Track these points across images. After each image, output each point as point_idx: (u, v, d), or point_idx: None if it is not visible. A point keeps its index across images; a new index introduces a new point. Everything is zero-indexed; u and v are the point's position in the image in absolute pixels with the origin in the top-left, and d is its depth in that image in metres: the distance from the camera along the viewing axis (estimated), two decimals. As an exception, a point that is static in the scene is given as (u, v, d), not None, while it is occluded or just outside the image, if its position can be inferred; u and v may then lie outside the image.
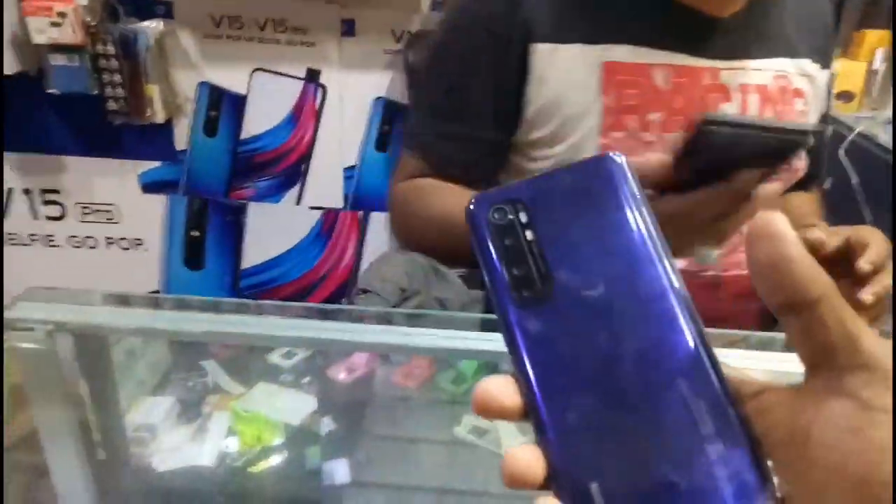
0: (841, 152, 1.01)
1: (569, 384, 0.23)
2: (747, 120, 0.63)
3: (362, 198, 1.73)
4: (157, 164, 1.68)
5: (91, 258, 1.76)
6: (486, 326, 0.64)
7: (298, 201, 1.73)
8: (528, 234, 0.24)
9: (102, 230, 1.74)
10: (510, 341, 0.24)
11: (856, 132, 1.06)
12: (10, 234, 1.73)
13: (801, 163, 0.78)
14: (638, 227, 0.24)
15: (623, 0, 0.72)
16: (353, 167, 1.70)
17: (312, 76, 1.63)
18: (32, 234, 1.73)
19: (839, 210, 0.99)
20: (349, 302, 1.60)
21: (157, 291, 1.79)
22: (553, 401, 0.23)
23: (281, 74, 1.62)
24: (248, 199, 1.72)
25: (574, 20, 0.72)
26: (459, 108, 0.76)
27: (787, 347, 0.25)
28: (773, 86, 0.77)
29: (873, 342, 0.21)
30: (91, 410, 0.67)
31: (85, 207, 1.71)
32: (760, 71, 0.76)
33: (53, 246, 1.75)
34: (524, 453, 0.23)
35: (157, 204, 1.72)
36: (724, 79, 0.75)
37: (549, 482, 0.23)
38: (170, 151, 1.66)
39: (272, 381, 0.91)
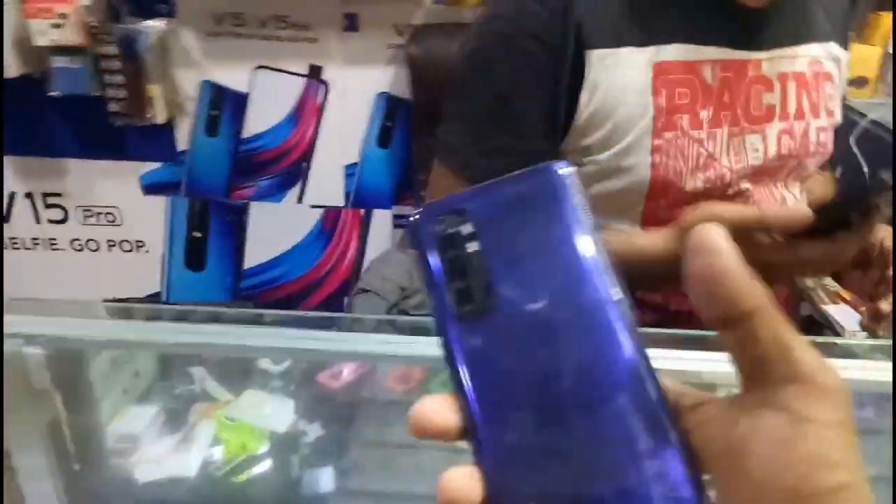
0: (852, 140, 0.97)
1: (507, 402, 0.23)
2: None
3: (364, 195, 1.70)
4: (158, 165, 1.67)
5: (93, 261, 1.76)
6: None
7: (300, 200, 1.71)
8: (472, 246, 0.24)
9: (104, 233, 1.74)
10: (449, 357, 0.23)
11: (867, 120, 1.02)
12: (12, 238, 1.74)
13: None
14: (580, 239, 0.24)
15: (671, 0, 0.73)
16: (354, 164, 1.68)
17: (315, 72, 1.60)
18: (35, 238, 1.74)
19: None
20: (350, 301, 1.58)
21: (159, 293, 1.79)
22: (491, 420, 0.23)
23: (283, 71, 1.60)
24: (250, 199, 1.71)
25: (625, 24, 0.71)
26: (508, 121, 0.74)
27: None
28: (809, 72, 0.78)
29: (807, 354, 0.21)
30: (67, 423, 0.66)
31: (87, 210, 1.71)
32: (796, 58, 0.77)
33: (56, 249, 1.75)
34: (461, 475, 0.22)
35: (159, 205, 1.71)
36: (764, 69, 0.75)
37: None
38: (171, 152, 1.66)
39: (261, 387, 0.89)
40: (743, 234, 0.62)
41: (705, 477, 0.22)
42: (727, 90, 0.74)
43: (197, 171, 1.68)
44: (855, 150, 0.96)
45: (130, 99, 1.52)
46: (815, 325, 1.10)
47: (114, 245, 1.76)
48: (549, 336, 0.23)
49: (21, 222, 1.72)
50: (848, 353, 0.62)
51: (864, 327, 0.74)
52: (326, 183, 1.69)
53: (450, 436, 0.23)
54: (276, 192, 1.70)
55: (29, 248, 1.76)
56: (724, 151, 0.74)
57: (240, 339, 0.68)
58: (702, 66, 0.73)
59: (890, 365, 0.58)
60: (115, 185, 1.69)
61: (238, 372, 0.92)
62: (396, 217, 1.73)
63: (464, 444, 0.24)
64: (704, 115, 0.73)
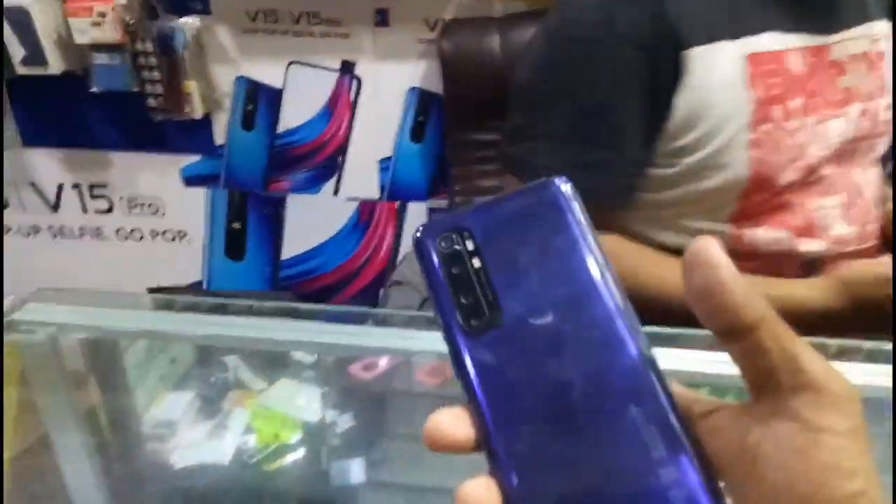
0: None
1: (520, 413, 0.23)
2: None
3: (398, 189, 1.71)
4: (197, 158, 1.71)
5: (138, 250, 1.81)
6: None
7: (336, 193, 1.73)
8: (476, 263, 0.25)
9: (148, 223, 1.79)
10: (460, 372, 0.24)
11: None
12: (61, 226, 1.80)
13: None
14: (583, 252, 0.24)
15: None
16: (388, 158, 1.68)
17: (347, 68, 1.61)
18: (82, 228, 1.80)
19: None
20: (385, 293, 1.59)
21: (201, 282, 1.83)
22: (505, 431, 0.23)
23: (316, 67, 1.62)
24: (287, 192, 1.73)
25: (717, 17, 0.69)
26: (604, 134, 0.70)
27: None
28: (873, 51, 0.76)
29: (815, 362, 0.21)
30: (104, 408, 0.68)
31: (131, 201, 1.76)
32: (861, 38, 0.76)
33: (102, 239, 1.81)
34: (478, 486, 0.23)
35: (199, 197, 1.75)
36: (838, 53, 0.74)
37: None
38: (209, 146, 1.69)
39: (293, 377, 0.91)
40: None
41: (720, 484, 0.22)
42: (812, 77, 0.71)
43: (234, 165, 1.71)
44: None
45: (168, 94, 1.56)
46: None
47: (157, 235, 1.81)
48: (558, 347, 0.23)
49: (69, 212, 1.78)
50: (847, 355, 0.60)
51: None
52: (361, 176, 1.70)
53: (465, 448, 0.24)
54: (312, 185, 1.72)
55: (77, 237, 1.82)
56: (813, 140, 0.73)
57: (273, 333, 0.69)
58: (790, 54, 0.70)
59: (889, 368, 0.56)
60: (157, 176, 1.73)
61: (271, 361, 0.94)
62: (431, 210, 1.73)
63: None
64: (795, 104, 0.71)
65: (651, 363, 0.23)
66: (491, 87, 1.49)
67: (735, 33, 0.69)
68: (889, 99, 0.78)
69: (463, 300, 0.24)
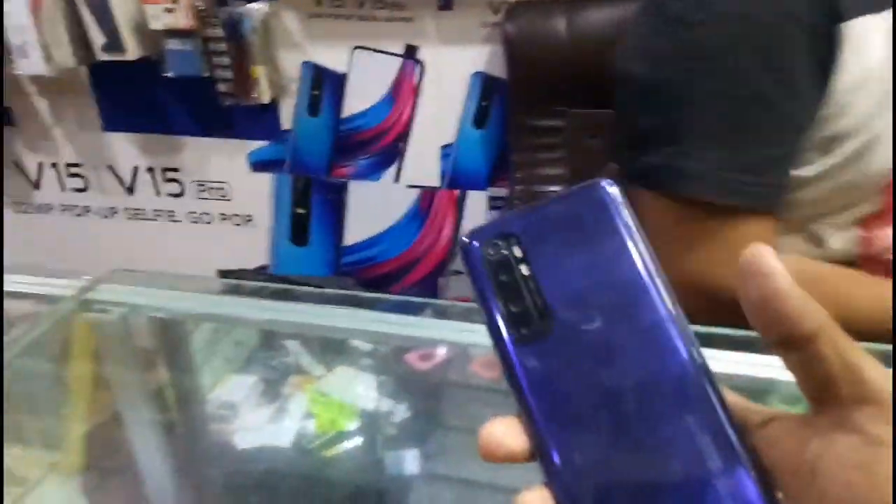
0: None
1: (573, 423, 0.23)
2: None
3: (459, 176, 1.70)
4: (264, 143, 1.74)
5: (207, 233, 1.87)
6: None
7: (396, 180, 1.73)
8: (524, 269, 0.24)
9: (216, 207, 1.84)
10: (512, 381, 0.24)
11: None
12: (136, 209, 1.87)
13: None
14: (633, 255, 0.24)
15: None
16: (450, 145, 1.67)
17: (410, 52, 1.61)
18: (157, 210, 1.87)
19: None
20: (445, 282, 1.59)
21: (266, 266, 1.87)
22: (560, 440, 0.23)
23: (380, 52, 1.62)
24: (349, 178, 1.75)
25: None
26: (767, 126, 0.61)
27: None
28: None
29: (877, 373, 0.21)
30: (171, 388, 0.70)
31: (200, 185, 1.82)
32: None
33: (174, 221, 1.87)
34: (534, 497, 0.23)
35: (265, 182, 1.78)
36: None
37: None
38: (276, 131, 1.72)
39: (352, 364, 0.92)
40: None
41: (779, 495, 0.22)
42: None
43: (300, 150, 1.74)
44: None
45: (237, 80, 1.59)
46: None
47: (225, 218, 1.86)
48: (609, 355, 0.23)
49: (143, 195, 1.85)
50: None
51: None
52: (423, 163, 1.70)
53: (519, 458, 0.23)
54: (373, 172, 1.73)
55: (150, 220, 1.89)
56: None
57: (333, 320, 0.70)
58: None
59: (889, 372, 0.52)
60: (225, 161, 1.78)
61: (331, 347, 0.95)
62: (492, 199, 1.71)
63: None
64: None
65: (705, 370, 0.23)
66: (556, 71, 1.46)
67: (880, 5, 0.59)
68: None
69: (512, 308, 0.24)
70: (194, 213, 1.86)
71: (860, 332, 0.25)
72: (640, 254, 0.24)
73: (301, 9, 1.59)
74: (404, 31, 1.58)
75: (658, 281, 0.24)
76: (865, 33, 0.60)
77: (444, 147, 1.68)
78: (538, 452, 0.23)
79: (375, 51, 1.62)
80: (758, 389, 0.57)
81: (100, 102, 1.74)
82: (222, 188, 1.81)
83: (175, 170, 1.81)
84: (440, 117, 1.65)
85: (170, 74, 1.59)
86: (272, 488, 0.76)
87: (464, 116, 1.64)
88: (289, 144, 1.73)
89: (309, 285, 1.34)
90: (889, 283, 0.64)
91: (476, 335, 0.64)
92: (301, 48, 1.63)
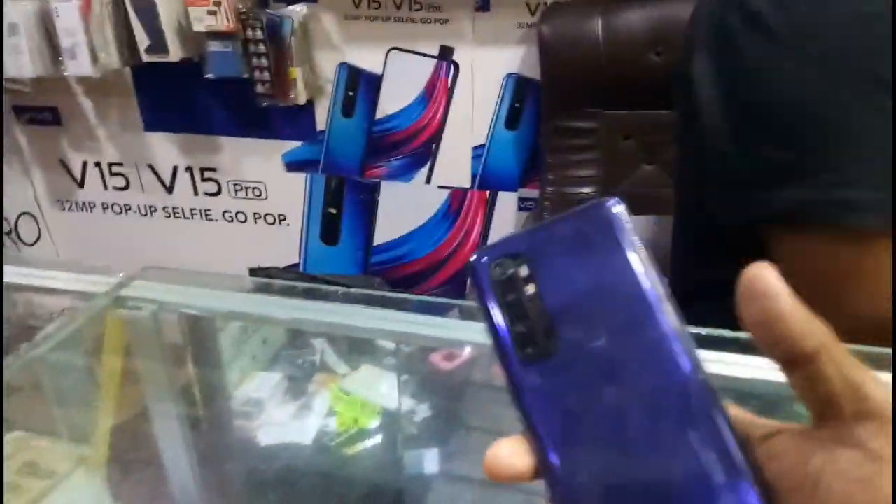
0: None
1: (578, 442, 0.23)
2: None
3: (490, 177, 1.70)
4: (299, 143, 1.77)
5: (241, 232, 1.91)
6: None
7: (428, 180, 1.74)
8: (530, 289, 0.25)
9: (252, 206, 1.87)
10: (518, 400, 0.24)
11: None
12: (175, 207, 1.92)
13: None
14: (638, 275, 0.24)
15: None
16: (481, 146, 1.67)
17: (445, 53, 1.61)
18: (193, 209, 1.91)
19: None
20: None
21: (297, 264, 1.90)
22: (565, 459, 0.23)
23: (415, 53, 1.63)
24: (381, 178, 1.76)
25: None
26: None
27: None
28: None
29: (879, 390, 0.21)
30: (198, 384, 0.72)
31: (237, 184, 1.85)
32: None
33: (211, 220, 1.92)
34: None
35: (299, 182, 1.81)
36: None
37: None
38: (311, 132, 1.74)
39: (376, 363, 0.93)
40: None
41: None
42: None
43: (333, 151, 1.76)
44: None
45: (275, 81, 1.61)
46: None
47: (259, 217, 1.89)
48: (615, 374, 0.23)
49: (182, 194, 1.90)
50: None
51: None
52: (454, 164, 1.70)
53: (524, 478, 0.24)
54: (406, 172, 1.74)
55: (188, 218, 1.93)
56: None
57: (359, 320, 0.70)
58: None
59: (889, 376, 0.50)
60: (261, 161, 1.81)
61: (356, 346, 0.96)
62: (521, 200, 1.71)
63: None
64: None
65: (708, 387, 0.23)
66: (591, 72, 1.45)
67: None
68: None
69: (518, 328, 0.24)
70: (230, 212, 1.90)
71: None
72: (646, 273, 0.24)
73: (339, 10, 1.61)
74: (440, 33, 1.59)
75: (663, 300, 0.24)
76: None
77: (476, 148, 1.68)
78: (543, 471, 0.24)
79: (410, 52, 1.62)
80: (790, 396, 0.56)
81: (142, 103, 1.79)
82: (258, 188, 1.85)
83: (213, 169, 1.85)
84: (473, 118, 1.65)
85: (210, 76, 1.63)
86: (293, 484, 0.78)
87: (496, 118, 1.64)
88: (323, 145, 1.75)
89: (336, 284, 1.36)
90: None
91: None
92: (338, 50, 1.65)
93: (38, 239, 2.05)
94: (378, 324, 0.71)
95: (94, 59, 1.59)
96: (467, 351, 0.94)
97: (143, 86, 1.78)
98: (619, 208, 0.25)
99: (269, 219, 1.88)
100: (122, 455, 0.70)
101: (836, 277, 0.57)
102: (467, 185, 1.72)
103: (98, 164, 1.90)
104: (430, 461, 0.81)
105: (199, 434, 0.71)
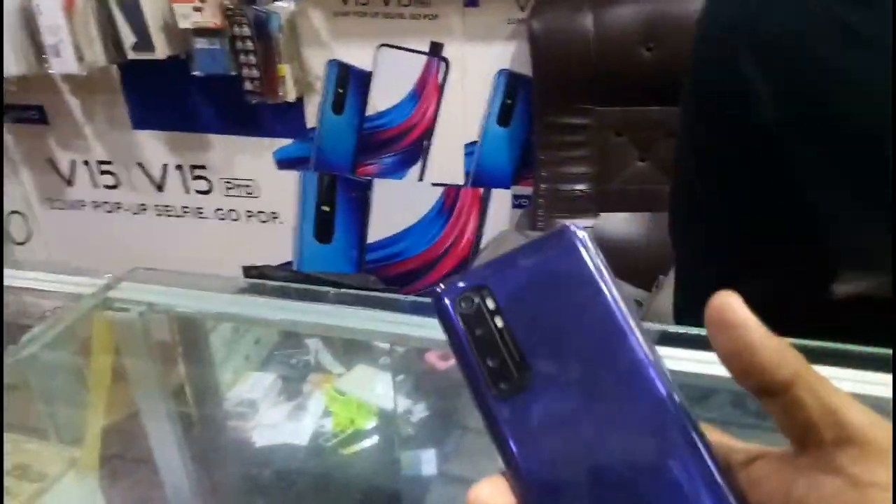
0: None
1: (559, 476, 0.23)
2: None
3: (483, 174, 1.69)
4: (289, 141, 1.75)
5: (233, 230, 1.89)
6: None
7: (421, 178, 1.73)
8: (499, 322, 0.24)
9: (243, 204, 1.86)
10: (496, 437, 0.24)
11: None
12: (166, 206, 1.90)
13: None
14: (606, 300, 0.24)
15: None
16: (474, 143, 1.67)
17: (435, 50, 1.60)
18: (185, 207, 1.89)
19: None
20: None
21: (291, 262, 1.89)
22: (547, 495, 0.23)
23: (405, 49, 1.62)
24: (374, 176, 1.75)
25: None
26: None
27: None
28: None
29: (857, 414, 0.21)
30: (190, 386, 0.71)
31: (228, 182, 1.84)
32: None
33: (202, 218, 1.90)
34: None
35: (291, 179, 1.80)
36: None
37: None
38: (301, 129, 1.73)
39: (371, 363, 0.92)
40: None
41: None
42: None
43: (324, 148, 1.75)
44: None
45: (263, 78, 1.60)
46: None
47: (252, 215, 1.88)
48: (590, 403, 0.23)
49: (172, 192, 1.88)
50: (845, 361, 0.54)
51: None
52: (447, 161, 1.69)
53: None
54: (398, 170, 1.73)
55: (179, 216, 1.92)
56: None
57: (353, 320, 0.70)
58: None
59: (889, 377, 0.51)
60: (252, 159, 1.80)
61: (351, 347, 0.96)
62: (515, 197, 1.70)
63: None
64: None
65: (686, 413, 0.23)
66: (582, 68, 1.44)
67: None
68: None
69: (490, 363, 0.24)
70: (221, 210, 1.88)
71: None
72: (613, 298, 0.24)
73: (327, 7, 1.59)
74: (430, 29, 1.58)
75: (633, 325, 0.23)
76: None
77: (468, 145, 1.67)
78: None
79: (400, 48, 1.61)
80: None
81: (129, 101, 1.77)
82: (249, 186, 1.83)
83: (203, 167, 1.83)
84: (464, 115, 1.64)
85: (198, 73, 1.61)
86: (288, 485, 0.77)
87: (488, 114, 1.63)
88: (314, 142, 1.74)
89: (330, 282, 1.35)
90: None
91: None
92: (327, 46, 1.64)
93: (28, 238, 2.03)
94: (373, 324, 0.70)
95: (80, 56, 1.57)
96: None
97: (130, 83, 1.76)
98: (582, 234, 0.24)
99: (262, 217, 1.87)
100: (115, 457, 0.69)
101: None
102: (460, 182, 1.71)
103: (87, 163, 1.88)
104: (426, 461, 0.80)
105: (192, 435, 0.70)
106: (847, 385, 0.56)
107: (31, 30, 1.58)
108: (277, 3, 1.57)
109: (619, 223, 1.52)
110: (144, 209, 1.92)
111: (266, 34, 1.58)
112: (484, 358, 0.24)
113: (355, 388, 0.88)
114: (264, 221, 1.88)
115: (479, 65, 1.59)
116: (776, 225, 0.62)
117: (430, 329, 0.67)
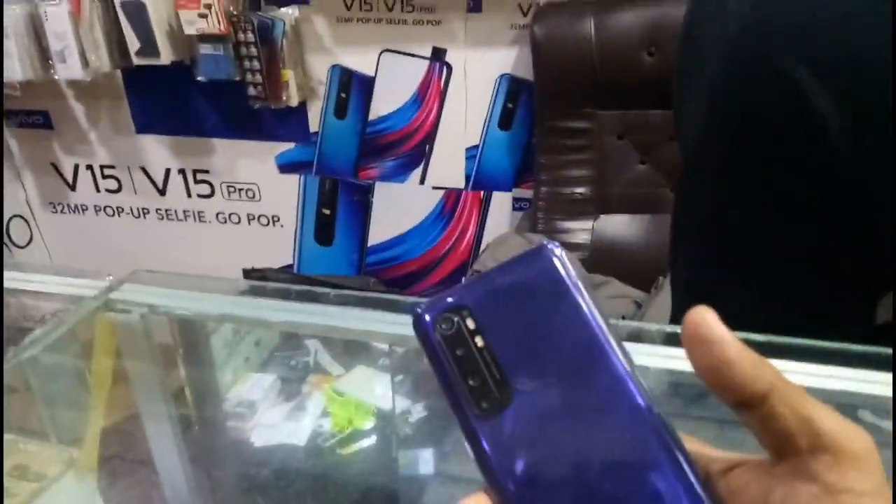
0: None
1: (541, 493, 0.23)
2: None
3: (484, 178, 1.70)
4: (292, 145, 1.76)
5: (235, 233, 1.90)
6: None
7: (422, 181, 1.73)
8: (479, 342, 0.24)
9: (245, 207, 1.87)
10: (478, 456, 0.24)
11: None
12: (167, 209, 1.91)
13: None
14: (584, 316, 0.24)
15: None
16: (475, 147, 1.67)
17: (438, 55, 1.61)
18: (186, 211, 1.91)
19: None
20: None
21: (292, 265, 1.90)
22: None
23: (407, 54, 1.63)
24: (375, 179, 1.76)
25: None
26: None
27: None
28: None
29: (831, 422, 0.21)
30: (190, 387, 0.71)
31: (230, 186, 1.85)
32: None
33: (204, 222, 1.91)
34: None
35: (293, 183, 1.81)
36: None
37: None
38: (303, 133, 1.74)
39: (370, 363, 0.92)
40: None
41: None
42: None
43: (326, 152, 1.76)
44: None
45: (266, 83, 1.61)
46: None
47: (253, 219, 1.89)
48: (571, 421, 0.23)
49: (175, 196, 1.89)
50: (847, 360, 0.54)
51: None
52: (448, 165, 1.70)
53: None
54: (399, 173, 1.74)
55: (181, 220, 1.93)
56: None
57: (352, 321, 0.70)
58: None
59: (889, 376, 0.51)
60: (254, 163, 1.81)
61: (350, 347, 0.96)
62: (516, 200, 1.71)
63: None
64: None
65: (665, 425, 0.23)
66: (584, 72, 1.45)
67: None
68: None
69: (471, 382, 0.24)
70: (223, 213, 1.89)
71: None
72: (592, 314, 0.24)
73: (331, 12, 1.61)
74: (432, 34, 1.59)
75: (611, 339, 0.24)
76: None
77: (469, 149, 1.68)
78: None
79: (403, 53, 1.62)
80: (848, 403, 0.56)
81: (133, 106, 1.79)
82: (251, 189, 1.84)
83: (205, 171, 1.84)
84: (466, 119, 1.65)
85: (201, 78, 1.62)
86: (287, 486, 0.77)
87: (489, 118, 1.64)
88: (316, 147, 1.75)
89: (330, 285, 1.36)
90: None
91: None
92: (330, 52, 1.65)
93: (29, 241, 2.04)
94: (371, 325, 0.71)
95: (85, 62, 1.59)
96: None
97: (134, 89, 1.77)
98: (559, 251, 0.25)
99: (263, 220, 1.88)
100: (114, 458, 0.69)
101: None
102: (461, 185, 1.72)
103: (90, 167, 1.90)
104: (424, 461, 0.81)
105: (191, 436, 0.70)
106: (847, 384, 0.56)
107: (38, 36, 1.59)
108: (282, 10, 1.59)
109: (619, 225, 1.52)
110: (147, 213, 1.93)
111: (270, 40, 1.59)
112: (465, 378, 0.24)
113: (354, 389, 0.89)
114: (265, 225, 1.89)
115: (481, 69, 1.60)
116: (824, 245, 0.60)
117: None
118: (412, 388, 0.90)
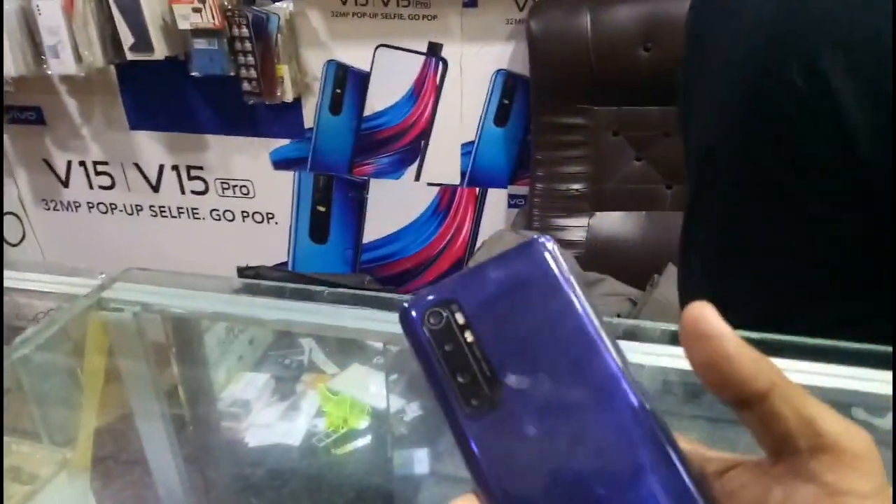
0: None
1: (531, 493, 0.23)
2: None
3: (479, 174, 1.69)
4: (286, 141, 1.75)
5: (229, 230, 1.89)
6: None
7: (417, 178, 1.73)
8: (468, 337, 0.23)
9: (239, 204, 1.86)
10: (467, 456, 0.23)
11: None
12: (161, 206, 1.90)
13: None
14: (576, 311, 0.23)
15: None
16: (470, 143, 1.67)
17: (433, 50, 1.60)
18: (180, 207, 1.90)
19: None
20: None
21: (286, 263, 1.89)
22: None
23: (403, 49, 1.62)
24: (370, 176, 1.75)
25: None
26: None
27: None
28: None
29: (833, 423, 0.21)
30: (183, 386, 0.71)
31: (224, 183, 1.84)
32: None
33: (198, 219, 1.90)
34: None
35: (287, 180, 1.80)
36: None
37: None
38: (298, 129, 1.73)
39: (365, 362, 0.92)
40: None
41: None
42: None
43: (321, 148, 1.75)
44: None
45: (261, 79, 1.60)
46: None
47: (247, 216, 1.88)
48: (562, 419, 0.23)
49: (168, 193, 1.88)
50: (839, 357, 0.54)
51: None
52: (443, 161, 1.69)
53: None
54: (394, 170, 1.73)
55: (175, 217, 1.92)
56: None
57: (346, 320, 0.70)
58: None
59: (883, 374, 0.51)
60: (248, 159, 1.80)
61: (344, 346, 0.96)
62: (511, 197, 1.70)
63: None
64: None
65: (659, 424, 0.22)
66: (580, 68, 1.44)
67: None
68: None
69: (460, 379, 0.23)
70: (217, 210, 1.88)
71: None
72: (584, 310, 0.23)
73: (326, 7, 1.60)
74: (428, 29, 1.58)
75: (603, 335, 0.23)
76: None
77: (465, 145, 1.67)
78: None
79: (398, 49, 1.62)
80: (842, 401, 0.56)
81: (126, 102, 1.78)
82: (245, 186, 1.84)
83: (199, 168, 1.83)
84: (461, 115, 1.65)
85: (195, 74, 1.61)
86: (281, 485, 0.77)
87: (485, 114, 1.63)
88: (311, 143, 1.74)
89: (325, 282, 1.35)
90: None
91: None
92: (325, 47, 1.64)
93: (22, 239, 2.03)
94: (366, 323, 0.71)
95: (78, 57, 1.57)
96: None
97: (127, 84, 1.76)
98: (551, 245, 0.24)
99: (258, 217, 1.87)
100: (107, 458, 0.69)
101: None
102: (457, 182, 1.71)
103: (83, 164, 1.88)
104: (419, 461, 0.80)
105: (185, 436, 0.70)
106: (841, 381, 0.56)
107: (31, 31, 1.58)
108: (276, 4, 1.58)
109: (615, 222, 1.52)
110: (140, 210, 1.92)
111: (265, 35, 1.58)
112: (454, 374, 0.23)
113: (349, 388, 0.88)
114: (259, 222, 1.88)
115: (477, 65, 1.59)
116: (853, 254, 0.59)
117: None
118: (407, 387, 0.90)
